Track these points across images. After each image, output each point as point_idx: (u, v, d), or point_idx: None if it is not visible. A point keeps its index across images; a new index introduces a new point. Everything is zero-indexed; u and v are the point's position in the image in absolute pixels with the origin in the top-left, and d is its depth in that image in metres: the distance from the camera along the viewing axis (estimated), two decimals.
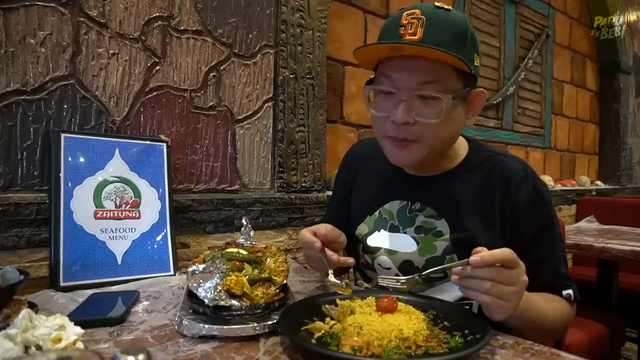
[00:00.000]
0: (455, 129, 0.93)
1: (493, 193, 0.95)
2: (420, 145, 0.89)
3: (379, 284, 0.89)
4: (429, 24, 0.83)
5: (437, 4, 0.87)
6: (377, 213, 1.05)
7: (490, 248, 0.72)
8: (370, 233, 1.05)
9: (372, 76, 0.96)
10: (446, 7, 0.87)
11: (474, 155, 1.00)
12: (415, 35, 0.83)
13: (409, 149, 0.90)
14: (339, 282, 0.86)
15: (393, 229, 1.02)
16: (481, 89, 0.93)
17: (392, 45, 0.83)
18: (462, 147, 1.02)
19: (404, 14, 0.86)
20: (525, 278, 0.74)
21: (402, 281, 0.84)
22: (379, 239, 1.03)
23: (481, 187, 0.96)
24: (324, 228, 0.92)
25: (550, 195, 0.98)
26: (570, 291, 0.94)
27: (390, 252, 1.01)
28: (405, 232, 1.00)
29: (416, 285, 0.87)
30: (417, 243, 0.98)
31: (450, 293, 0.93)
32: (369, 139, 1.20)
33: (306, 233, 0.91)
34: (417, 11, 0.84)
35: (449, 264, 0.77)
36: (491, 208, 0.94)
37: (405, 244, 0.99)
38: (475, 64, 0.89)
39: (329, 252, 0.89)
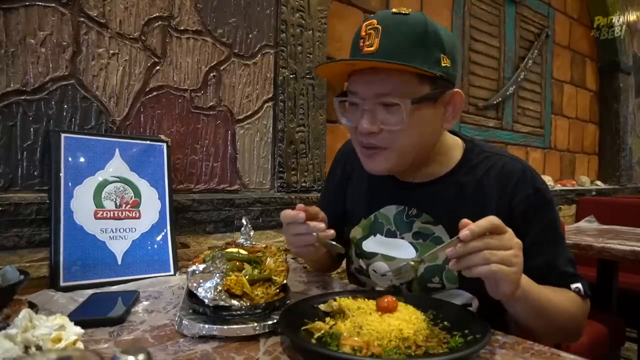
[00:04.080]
0: (428, 134, 0.89)
1: (490, 196, 0.92)
2: (389, 153, 0.87)
3: (377, 290, 0.88)
4: (384, 33, 0.81)
5: (394, 10, 0.85)
6: (372, 217, 1.03)
7: None
8: (365, 237, 1.03)
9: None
10: (404, 11, 0.84)
11: (469, 157, 0.97)
12: (372, 46, 0.82)
13: (377, 158, 0.89)
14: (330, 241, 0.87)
15: (390, 234, 0.99)
16: (457, 90, 0.89)
17: (346, 62, 0.84)
18: (456, 149, 0.98)
19: (364, 25, 0.85)
20: (518, 240, 0.73)
21: (399, 271, 0.83)
22: (375, 244, 1.01)
23: (477, 191, 0.93)
24: (302, 205, 0.90)
25: (552, 196, 0.95)
26: (579, 285, 0.89)
27: (387, 258, 0.98)
28: (402, 238, 0.98)
29: (414, 273, 0.85)
30: (416, 249, 0.95)
31: (455, 300, 0.91)
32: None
33: (286, 210, 0.89)
34: (374, 21, 0.83)
35: (439, 247, 0.75)
36: (488, 212, 0.89)
37: (403, 250, 0.97)
38: (443, 64, 0.84)
39: (312, 222, 0.87)
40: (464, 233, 0.69)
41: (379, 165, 0.90)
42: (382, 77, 0.83)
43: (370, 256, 1.01)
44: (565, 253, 0.93)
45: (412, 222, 0.97)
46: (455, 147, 0.99)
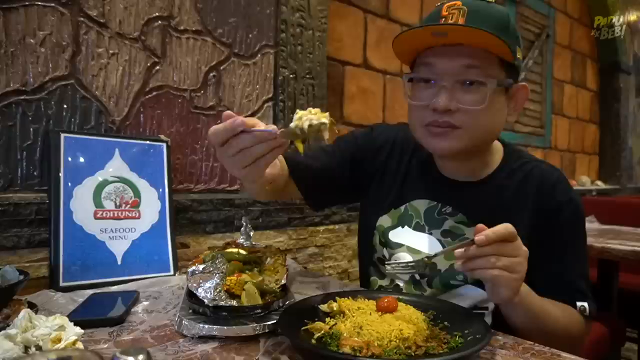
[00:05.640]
0: (497, 123, 0.89)
1: (526, 201, 0.92)
2: (461, 133, 0.85)
3: (387, 271, 0.89)
4: (470, 13, 0.81)
5: None
6: (402, 208, 1.02)
7: None
8: (392, 227, 1.02)
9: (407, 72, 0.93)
10: None
11: (509, 162, 0.97)
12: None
13: (448, 136, 0.86)
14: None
15: (418, 228, 0.99)
16: (524, 84, 0.90)
17: (434, 30, 0.80)
18: (498, 152, 0.98)
19: (445, 6, 0.84)
20: (525, 249, 0.73)
21: (412, 264, 0.85)
22: (402, 235, 1.00)
23: (516, 196, 0.93)
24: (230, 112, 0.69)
25: (584, 209, 0.94)
26: (584, 304, 0.89)
27: (412, 251, 0.98)
28: (430, 234, 0.97)
29: (425, 269, 0.87)
30: (443, 247, 0.95)
31: (467, 297, 0.92)
32: (401, 124, 1.08)
33: (215, 126, 0.69)
34: (458, 2, 0.83)
35: (450, 247, 0.77)
36: (524, 216, 0.91)
37: (430, 245, 0.96)
38: (518, 56, 0.86)
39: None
40: (479, 237, 0.69)
41: (448, 143, 0.86)
42: (468, 52, 0.82)
43: (395, 246, 1.00)
44: (583, 267, 0.93)
45: (444, 220, 0.96)
46: (497, 148, 0.99)
